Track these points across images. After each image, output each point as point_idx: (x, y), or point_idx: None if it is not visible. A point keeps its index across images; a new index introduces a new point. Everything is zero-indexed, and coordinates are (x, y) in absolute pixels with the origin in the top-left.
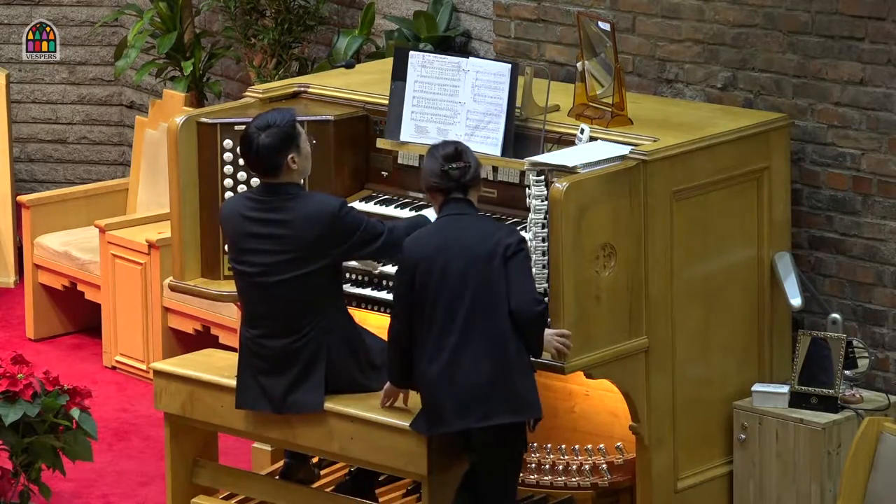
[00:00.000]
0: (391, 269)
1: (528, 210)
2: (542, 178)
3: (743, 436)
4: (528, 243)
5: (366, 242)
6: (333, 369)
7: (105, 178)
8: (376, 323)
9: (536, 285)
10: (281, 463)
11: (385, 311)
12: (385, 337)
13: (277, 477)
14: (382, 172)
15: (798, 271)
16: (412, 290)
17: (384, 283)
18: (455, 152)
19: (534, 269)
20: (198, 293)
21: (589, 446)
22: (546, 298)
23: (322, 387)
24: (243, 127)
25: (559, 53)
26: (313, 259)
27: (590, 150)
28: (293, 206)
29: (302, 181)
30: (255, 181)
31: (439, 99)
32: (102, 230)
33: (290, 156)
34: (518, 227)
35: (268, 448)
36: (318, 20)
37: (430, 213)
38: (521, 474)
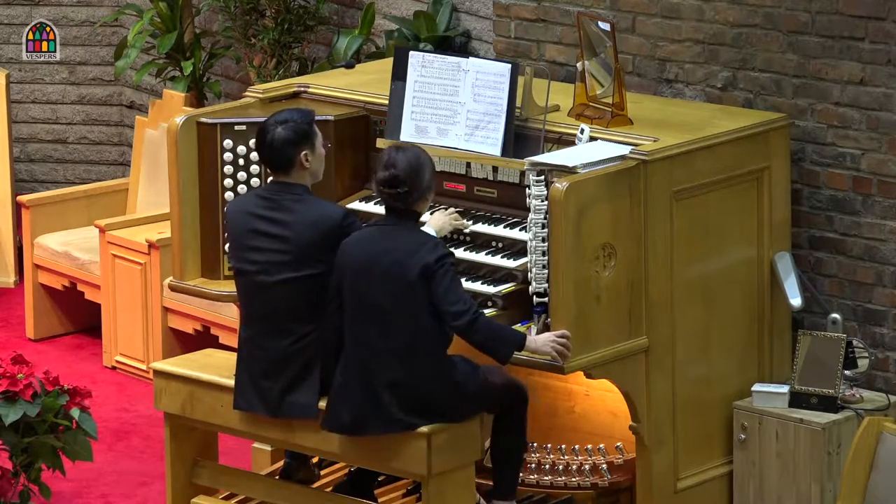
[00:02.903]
0: None
1: (528, 210)
2: (542, 178)
3: (743, 436)
4: (447, 257)
5: None
6: (329, 374)
7: (105, 178)
8: None
9: (461, 295)
10: (281, 463)
11: None
12: None
13: (277, 477)
14: None
15: (798, 271)
16: (339, 295)
17: None
18: (390, 177)
19: (534, 270)
20: (198, 293)
21: (589, 446)
22: (546, 297)
23: (317, 391)
24: (243, 127)
25: (559, 53)
26: (308, 264)
27: (590, 150)
28: (298, 208)
29: (312, 182)
30: (255, 181)
31: (439, 99)
32: (102, 230)
33: (303, 152)
34: (518, 227)
35: (268, 448)
36: (318, 20)
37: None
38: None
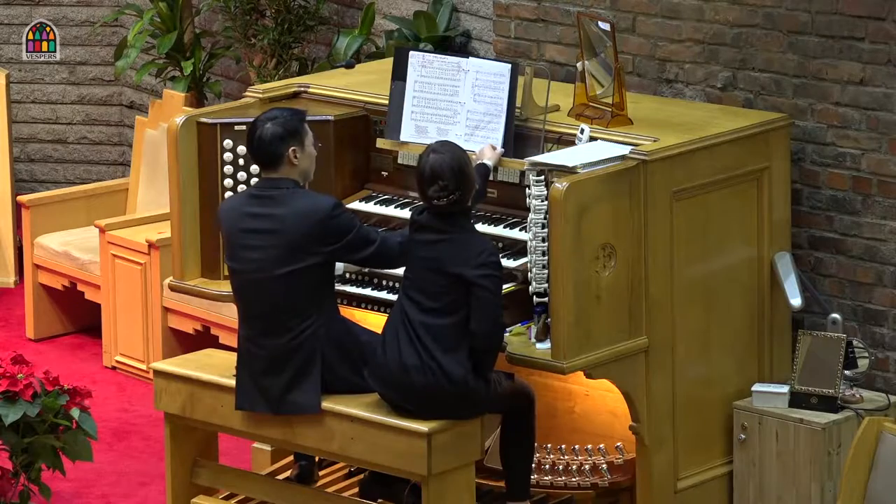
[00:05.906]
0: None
1: (528, 210)
2: (542, 178)
3: (743, 436)
4: (494, 273)
5: (356, 247)
6: (328, 370)
7: (105, 178)
8: (376, 323)
9: (493, 323)
10: (281, 463)
11: (385, 311)
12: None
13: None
14: (382, 172)
15: (798, 271)
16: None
17: (384, 283)
18: (441, 189)
19: (534, 270)
20: (198, 293)
21: (589, 446)
22: (546, 297)
23: (318, 387)
24: (243, 127)
25: (559, 53)
26: (302, 256)
27: (590, 150)
28: (288, 201)
29: (303, 183)
30: (255, 181)
31: (439, 99)
32: (102, 230)
33: (291, 148)
34: (518, 227)
35: (268, 448)
36: (318, 20)
37: None
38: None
